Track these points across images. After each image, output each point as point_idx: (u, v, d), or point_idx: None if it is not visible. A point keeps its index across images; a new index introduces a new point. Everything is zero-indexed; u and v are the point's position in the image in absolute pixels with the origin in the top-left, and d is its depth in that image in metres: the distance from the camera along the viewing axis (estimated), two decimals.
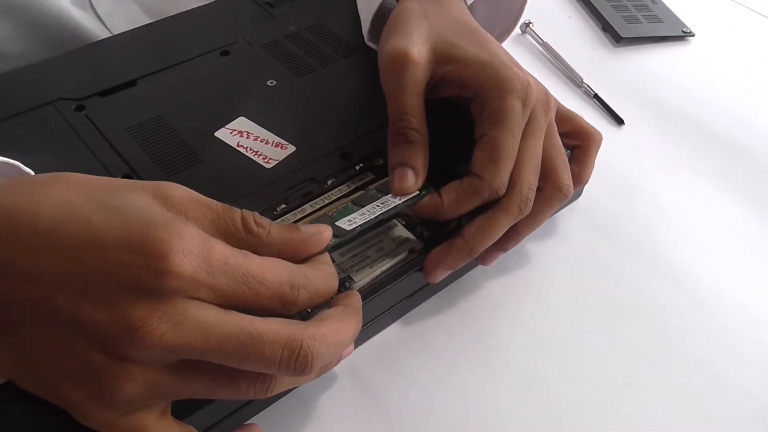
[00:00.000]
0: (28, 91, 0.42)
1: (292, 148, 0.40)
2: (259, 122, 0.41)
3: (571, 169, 0.39)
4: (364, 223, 0.33)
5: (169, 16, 0.50)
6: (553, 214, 0.41)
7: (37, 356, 0.26)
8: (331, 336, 0.27)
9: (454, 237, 0.36)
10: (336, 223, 0.33)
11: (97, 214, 0.25)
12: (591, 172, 0.41)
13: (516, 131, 0.36)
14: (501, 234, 0.36)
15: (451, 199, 0.36)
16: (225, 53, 0.46)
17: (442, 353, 0.37)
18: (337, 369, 0.35)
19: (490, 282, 0.40)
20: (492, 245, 0.37)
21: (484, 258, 0.38)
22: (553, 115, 0.38)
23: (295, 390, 0.34)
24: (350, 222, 0.33)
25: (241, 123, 0.41)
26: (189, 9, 0.51)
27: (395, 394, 0.35)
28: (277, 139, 0.40)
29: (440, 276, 0.36)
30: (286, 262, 0.28)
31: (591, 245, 0.43)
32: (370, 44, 0.47)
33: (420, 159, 0.36)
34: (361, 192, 0.37)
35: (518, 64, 0.38)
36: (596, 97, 0.54)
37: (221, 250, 0.26)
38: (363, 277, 0.34)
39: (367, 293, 0.34)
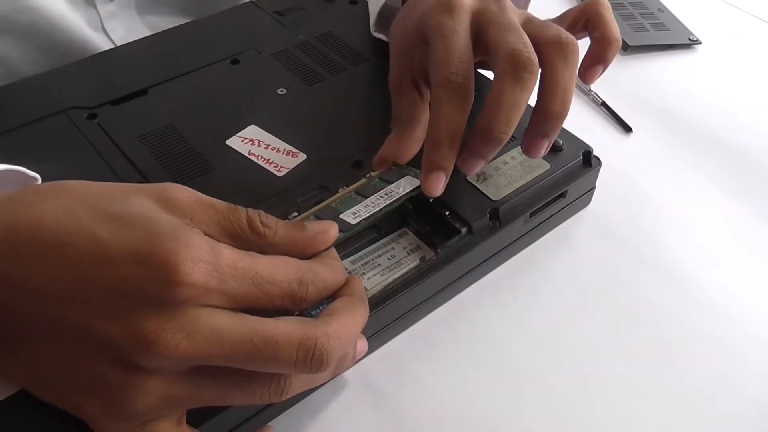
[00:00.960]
0: (41, 100, 0.43)
1: (303, 156, 0.40)
2: (270, 130, 0.41)
3: (596, 35, 0.37)
4: (368, 216, 0.33)
5: (179, 25, 0.51)
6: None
7: (51, 370, 0.26)
8: (343, 330, 0.27)
9: None
10: (340, 216, 0.33)
11: (102, 225, 0.25)
12: (616, 27, 0.37)
13: (450, 29, 0.34)
14: (513, 105, 0.32)
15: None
16: (235, 62, 0.47)
17: (453, 360, 0.37)
18: (348, 376, 0.35)
19: (499, 290, 0.40)
20: (533, 132, 0.34)
21: (528, 147, 0.35)
22: (509, 4, 0.36)
23: (307, 397, 0.34)
24: (355, 215, 0.33)
25: (252, 131, 0.41)
26: (197, 19, 0.52)
27: (406, 401, 0.35)
28: (288, 147, 0.40)
29: (469, 164, 0.34)
30: (293, 260, 0.28)
31: (598, 253, 0.43)
32: (377, 35, 0.47)
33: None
34: (364, 180, 0.37)
35: None
36: (604, 104, 0.54)
37: (229, 255, 0.26)
38: (374, 285, 0.35)
39: (378, 301, 0.34)
